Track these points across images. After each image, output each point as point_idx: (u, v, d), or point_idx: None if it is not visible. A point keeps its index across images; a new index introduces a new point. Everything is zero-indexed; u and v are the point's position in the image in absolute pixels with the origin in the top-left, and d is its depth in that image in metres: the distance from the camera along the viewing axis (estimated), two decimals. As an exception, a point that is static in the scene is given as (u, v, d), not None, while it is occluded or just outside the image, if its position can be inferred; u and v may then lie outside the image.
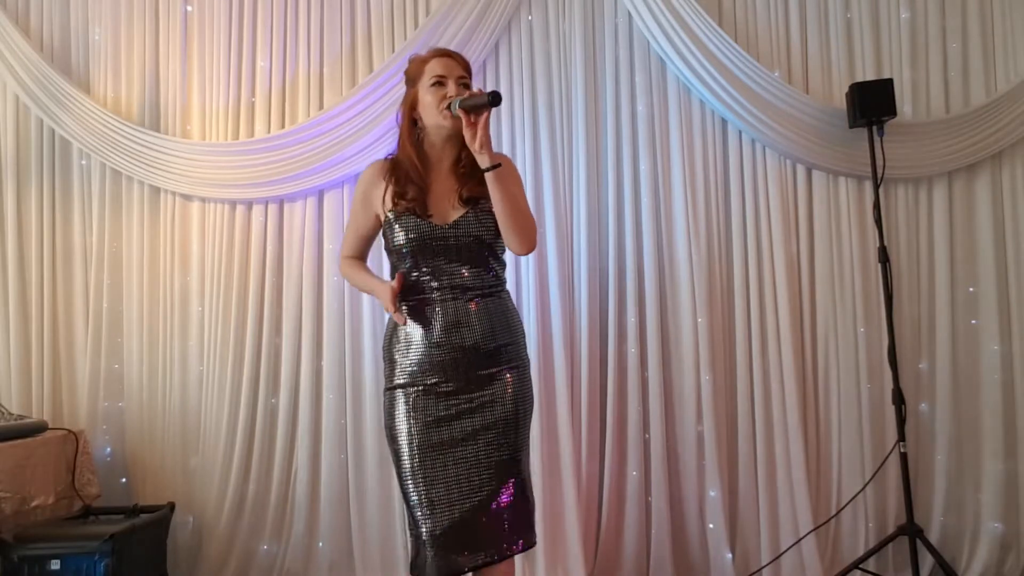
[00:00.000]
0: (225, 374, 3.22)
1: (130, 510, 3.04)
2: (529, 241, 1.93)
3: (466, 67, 2.02)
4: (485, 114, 1.83)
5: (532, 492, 1.98)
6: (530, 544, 1.93)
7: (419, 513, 1.88)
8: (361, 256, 2.15)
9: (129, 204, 3.35)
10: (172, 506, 3.12)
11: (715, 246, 3.17)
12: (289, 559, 3.15)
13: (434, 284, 1.93)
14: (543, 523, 3.01)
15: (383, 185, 1.99)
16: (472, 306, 1.92)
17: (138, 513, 3.02)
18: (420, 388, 1.91)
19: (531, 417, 2.00)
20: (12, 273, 3.36)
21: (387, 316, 2.01)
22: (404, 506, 1.95)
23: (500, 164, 1.87)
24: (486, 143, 1.84)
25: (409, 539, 1.96)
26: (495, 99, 1.79)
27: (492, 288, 1.97)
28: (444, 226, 1.93)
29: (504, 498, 1.89)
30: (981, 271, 3.13)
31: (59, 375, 3.35)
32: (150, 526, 2.95)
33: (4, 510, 2.72)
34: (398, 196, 1.95)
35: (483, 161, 1.85)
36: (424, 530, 1.87)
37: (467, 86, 1.98)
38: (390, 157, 2.05)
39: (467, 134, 1.85)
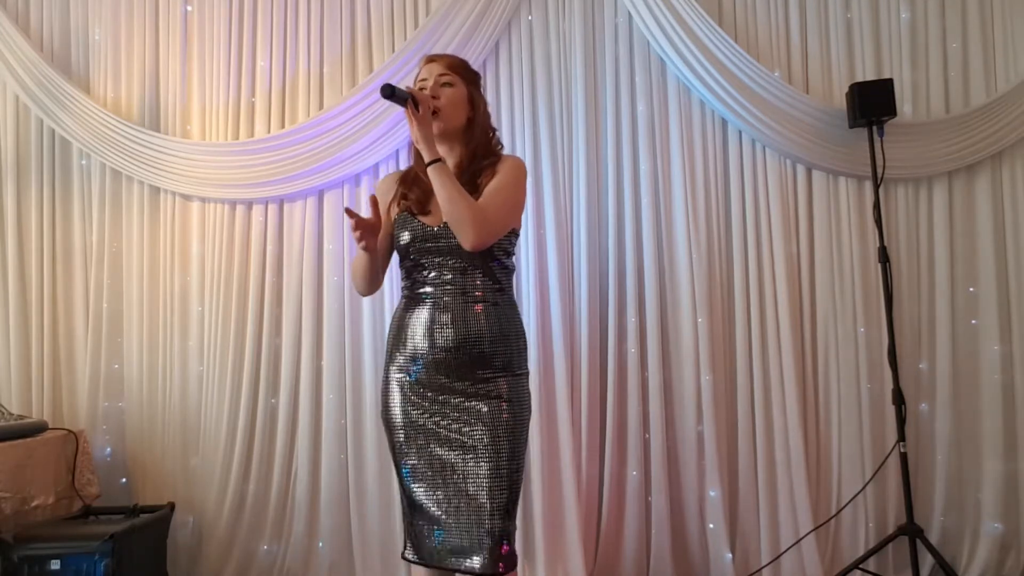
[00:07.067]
0: (225, 374, 3.22)
1: (130, 510, 3.04)
2: (470, 236, 1.82)
3: (449, 64, 1.99)
4: (416, 109, 1.82)
5: (514, 509, 1.89)
6: (491, 570, 1.80)
7: (409, 501, 1.92)
8: None
9: (129, 204, 3.35)
10: (172, 506, 3.12)
11: (715, 246, 3.17)
12: (289, 559, 3.16)
13: (431, 283, 1.94)
14: (543, 523, 3.01)
15: (395, 189, 2.04)
16: (467, 308, 1.91)
17: (138, 513, 3.02)
18: (413, 381, 1.92)
19: (526, 429, 1.94)
20: (12, 273, 3.35)
21: (393, 312, 2.02)
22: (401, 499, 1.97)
23: (439, 160, 1.84)
24: (419, 138, 1.84)
25: (403, 528, 1.99)
26: (382, 91, 1.77)
27: (488, 292, 1.95)
28: (435, 227, 1.94)
29: (481, 510, 1.84)
30: (981, 271, 3.13)
31: (59, 375, 3.35)
32: (150, 526, 2.95)
33: (4, 510, 2.72)
34: (402, 198, 2.00)
35: (424, 155, 1.85)
36: (413, 515, 1.92)
37: (451, 84, 1.96)
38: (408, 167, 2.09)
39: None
